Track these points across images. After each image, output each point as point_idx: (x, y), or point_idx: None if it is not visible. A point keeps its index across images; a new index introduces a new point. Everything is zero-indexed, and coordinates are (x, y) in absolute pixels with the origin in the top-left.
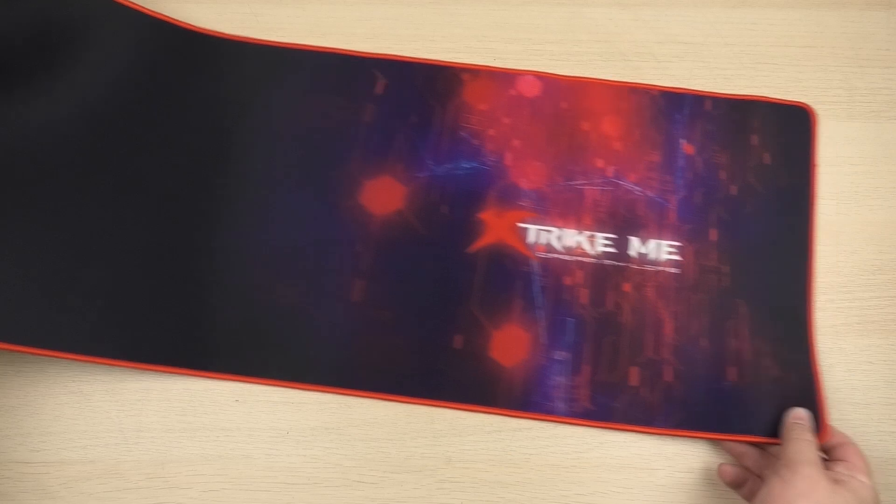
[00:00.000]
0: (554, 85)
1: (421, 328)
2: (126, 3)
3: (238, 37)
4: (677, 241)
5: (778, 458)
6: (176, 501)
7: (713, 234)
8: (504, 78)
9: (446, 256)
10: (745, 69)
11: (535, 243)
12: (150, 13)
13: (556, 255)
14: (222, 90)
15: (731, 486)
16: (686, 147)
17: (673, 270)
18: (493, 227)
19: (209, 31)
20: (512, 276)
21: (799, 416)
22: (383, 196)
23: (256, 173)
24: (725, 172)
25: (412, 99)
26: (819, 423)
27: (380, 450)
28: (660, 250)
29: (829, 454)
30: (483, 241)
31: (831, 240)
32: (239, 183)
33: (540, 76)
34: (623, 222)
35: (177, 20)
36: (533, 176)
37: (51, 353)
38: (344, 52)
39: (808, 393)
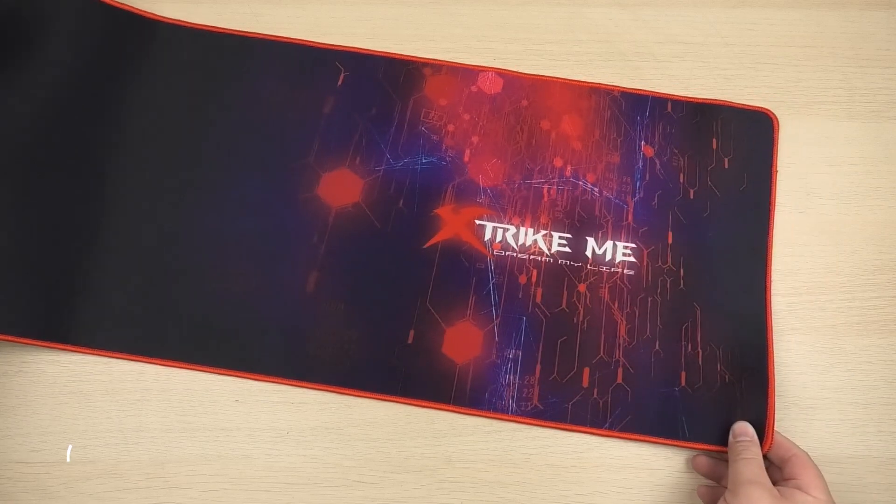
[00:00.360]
0: (515, 82)
1: (374, 322)
2: None
3: (202, 25)
4: (633, 243)
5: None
6: (176, 501)
7: (670, 237)
8: (465, 74)
9: (402, 251)
10: (745, 69)
11: (492, 240)
12: (108, 1)
13: (511, 254)
14: (185, 78)
15: None
16: (646, 149)
17: (628, 272)
18: (449, 223)
19: (172, 19)
20: (467, 272)
21: (741, 432)
22: (341, 188)
23: (216, 161)
24: (684, 176)
25: (373, 92)
26: (765, 432)
27: (380, 450)
28: (616, 251)
29: (783, 469)
30: (439, 237)
31: (831, 240)
32: (197, 170)
33: (501, 73)
34: (580, 222)
35: (135, 8)
36: (491, 173)
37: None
38: (308, 43)
39: (758, 400)
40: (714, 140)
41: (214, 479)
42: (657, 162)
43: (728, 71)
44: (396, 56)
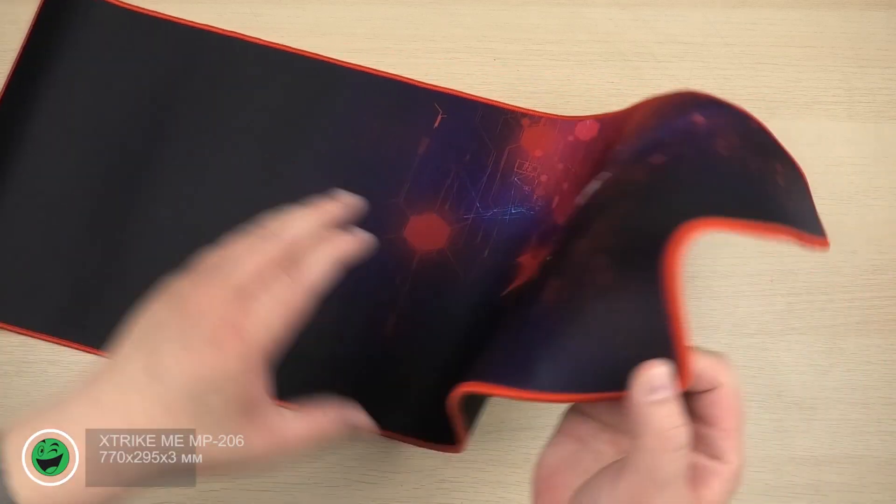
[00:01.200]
0: (610, 123)
1: (439, 372)
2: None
3: (286, 47)
4: None
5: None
6: (176, 501)
7: None
8: (564, 125)
9: (480, 302)
10: (745, 69)
11: None
12: (192, 24)
13: None
14: (271, 100)
15: None
16: None
17: None
18: (526, 267)
19: (251, 38)
20: None
21: (651, 381)
22: (427, 233)
23: (304, 187)
24: None
25: (468, 138)
26: (678, 364)
27: (380, 450)
28: None
29: (699, 407)
30: (516, 283)
31: (831, 240)
32: (284, 197)
33: (598, 118)
34: None
35: (214, 27)
36: (570, 211)
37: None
38: (402, 78)
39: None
40: None
41: (215, 479)
42: None
43: (728, 71)
44: (495, 104)
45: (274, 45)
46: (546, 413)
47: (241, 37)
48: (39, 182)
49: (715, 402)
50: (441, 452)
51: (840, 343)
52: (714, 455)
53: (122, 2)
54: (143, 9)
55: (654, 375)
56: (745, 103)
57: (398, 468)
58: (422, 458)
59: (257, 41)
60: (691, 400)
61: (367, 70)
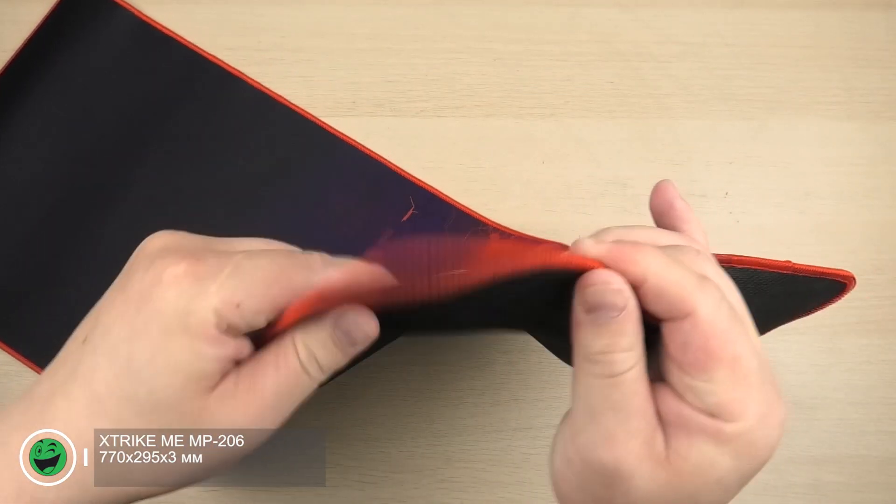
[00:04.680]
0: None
1: None
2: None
3: (279, 97)
4: None
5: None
6: (176, 501)
7: None
8: (531, 242)
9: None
10: (744, 69)
11: None
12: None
13: None
14: (253, 147)
15: None
16: None
17: None
18: None
19: (250, 79)
20: None
21: (597, 297)
22: None
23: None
24: None
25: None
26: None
27: (380, 450)
28: None
29: (673, 347)
30: None
31: (831, 240)
32: None
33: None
34: None
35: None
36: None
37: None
38: (385, 162)
39: None
40: None
41: (215, 479)
42: None
43: (728, 71)
44: (470, 213)
45: (270, 93)
46: (546, 413)
47: (241, 75)
48: (7, 171)
49: (683, 340)
50: (441, 452)
51: (840, 343)
52: (708, 412)
53: (139, 11)
54: (156, 23)
55: (596, 288)
56: (745, 103)
57: (398, 468)
58: (422, 458)
59: (255, 84)
60: (666, 334)
61: (353, 144)
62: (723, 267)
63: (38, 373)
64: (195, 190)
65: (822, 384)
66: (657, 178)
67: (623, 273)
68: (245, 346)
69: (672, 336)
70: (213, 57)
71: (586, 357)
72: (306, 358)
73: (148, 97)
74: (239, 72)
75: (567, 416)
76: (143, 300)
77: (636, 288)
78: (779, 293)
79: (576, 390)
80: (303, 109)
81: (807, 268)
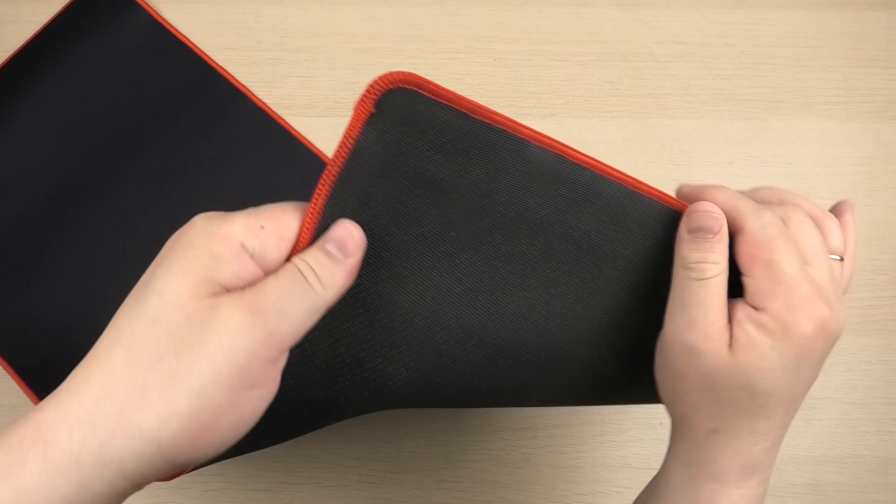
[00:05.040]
0: None
1: None
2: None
3: (278, 117)
4: None
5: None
6: (176, 501)
7: None
8: None
9: None
10: (744, 69)
11: None
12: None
13: None
14: (248, 164)
15: None
16: None
17: None
18: None
19: (255, 96)
20: None
21: (698, 221)
22: None
23: None
24: None
25: None
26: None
27: (380, 450)
28: None
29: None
30: None
31: None
32: None
33: None
34: None
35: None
36: None
37: None
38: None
39: None
40: None
41: (215, 479)
42: None
43: (728, 71)
44: None
45: (272, 113)
46: (546, 413)
47: (246, 91)
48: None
49: (737, 250)
50: (441, 452)
51: (840, 343)
52: (751, 303)
53: (157, 13)
54: (171, 26)
55: (700, 216)
56: (745, 103)
57: (398, 468)
58: (422, 458)
59: (259, 103)
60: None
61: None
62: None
63: (4, 367)
64: (184, 198)
65: (822, 384)
66: (657, 178)
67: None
68: (260, 278)
69: (736, 250)
70: (223, 69)
71: (684, 265)
72: (304, 268)
73: (152, 100)
74: (245, 88)
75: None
76: (174, 240)
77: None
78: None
79: (673, 291)
80: (301, 135)
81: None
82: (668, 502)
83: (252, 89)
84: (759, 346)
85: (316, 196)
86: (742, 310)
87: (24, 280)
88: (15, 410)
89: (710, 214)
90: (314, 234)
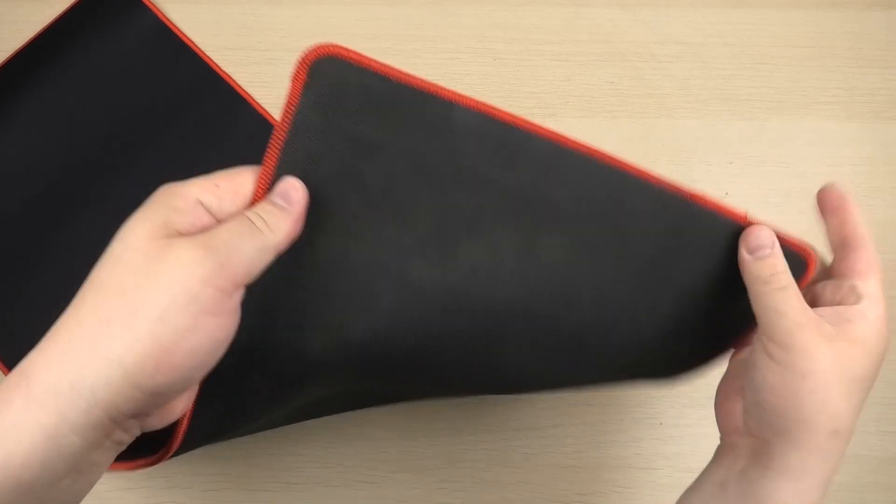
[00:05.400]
0: None
1: None
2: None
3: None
4: None
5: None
6: (176, 501)
7: None
8: None
9: None
10: (744, 69)
11: None
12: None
13: None
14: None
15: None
16: None
17: None
18: None
19: (256, 103)
20: None
21: (758, 242)
22: None
23: None
24: None
25: None
26: (791, 248)
27: (380, 450)
28: None
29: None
30: None
31: None
32: None
33: None
34: None
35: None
36: None
37: None
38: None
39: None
40: None
41: (215, 479)
42: None
43: (728, 71)
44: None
45: (271, 120)
46: (546, 413)
47: (249, 98)
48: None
49: (855, 257)
50: (441, 452)
51: None
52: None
53: (163, 14)
54: (177, 28)
55: (754, 236)
56: (745, 103)
57: (398, 468)
58: (422, 458)
59: (260, 110)
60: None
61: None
62: (693, 206)
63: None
64: None
65: None
66: None
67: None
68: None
69: (843, 259)
70: (226, 75)
71: (761, 281)
72: (252, 216)
73: (154, 102)
74: (248, 94)
75: (761, 337)
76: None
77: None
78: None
79: (762, 308)
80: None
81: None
82: None
83: (252, 90)
84: (868, 341)
85: (266, 159)
86: (849, 308)
87: (24, 281)
88: None
89: (763, 232)
90: (266, 192)
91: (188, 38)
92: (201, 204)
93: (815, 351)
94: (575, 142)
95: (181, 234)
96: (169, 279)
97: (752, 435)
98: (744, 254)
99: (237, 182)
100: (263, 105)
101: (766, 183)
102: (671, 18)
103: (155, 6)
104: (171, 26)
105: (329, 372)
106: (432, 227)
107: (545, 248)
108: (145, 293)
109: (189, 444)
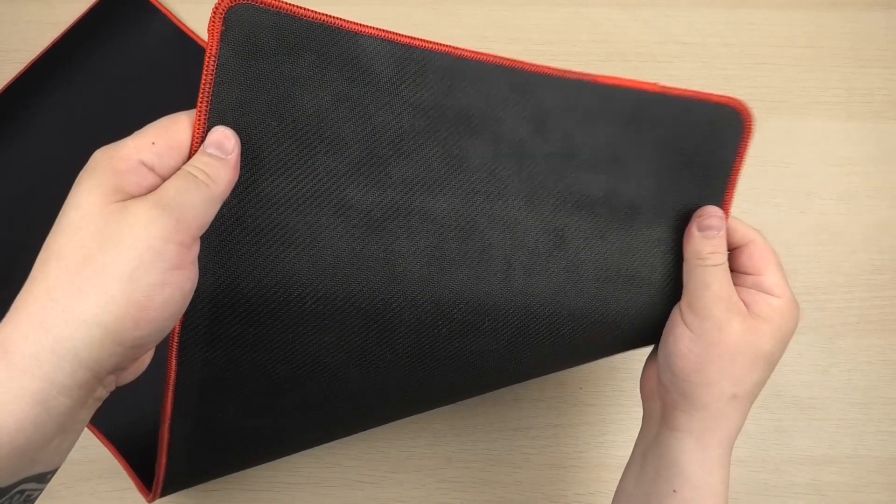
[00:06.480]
0: None
1: None
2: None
3: None
4: None
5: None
6: (177, 500)
7: None
8: None
9: None
10: (744, 69)
11: None
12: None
13: None
14: None
15: None
16: None
17: None
18: None
19: None
20: None
21: (709, 222)
22: None
23: None
24: None
25: None
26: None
27: (380, 450)
28: None
29: (737, 259)
30: None
31: (831, 240)
32: None
33: None
34: None
35: None
36: None
37: None
38: None
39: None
40: None
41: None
42: None
43: (728, 71)
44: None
45: None
46: (546, 413)
47: None
48: (22, 160)
49: (754, 254)
50: (441, 452)
51: (839, 343)
52: (766, 292)
53: (178, 20)
54: (193, 33)
55: (707, 216)
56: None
57: (398, 468)
58: (422, 458)
59: None
60: (735, 258)
61: None
62: (591, 85)
63: None
64: None
65: (822, 384)
66: None
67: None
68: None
69: (744, 254)
70: None
71: (698, 256)
72: (193, 170)
73: (173, 103)
74: None
75: (681, 305)
76: (80, 175)
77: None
78: (668, 119)
79: (692, 279)
80: None
81: (675, 90)
82: (683, 480)
83: None
84: (773, 321)
85: (198, 112)
86: (758, 294)
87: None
88: None
89: (717, 216)
90: (201, 141)
91: (202, 39)
92: (143, 164)
93: (728, 323)
94: (467, 50)
95: (132, 196)
96: (131, 240)
97: (662, 399)
98: (693, 229)
99: (171, 135)
100: None
101: (767, 182)
102: (671, 18)
103: (166, 9)
104: (184, 28)
105: (289, 322)
106: (363, 152)
107: (470, 153)
108: (112, 256)
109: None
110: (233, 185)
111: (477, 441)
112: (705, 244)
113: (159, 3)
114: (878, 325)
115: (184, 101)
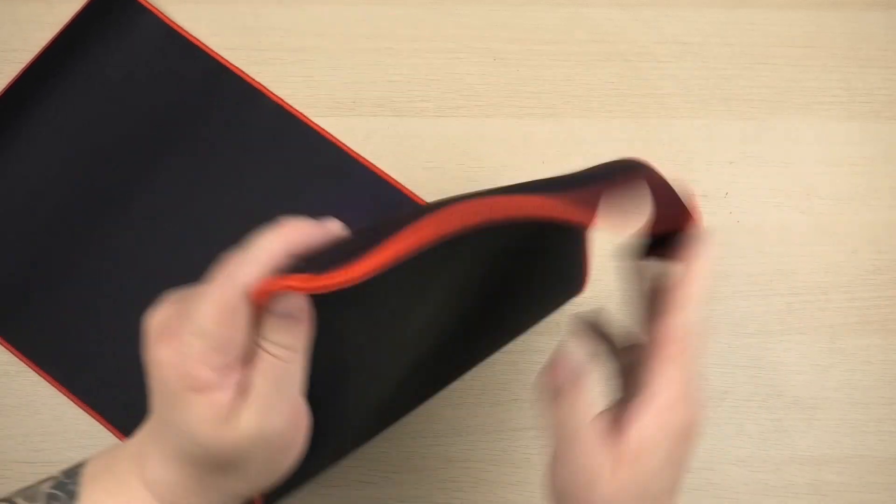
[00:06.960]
0: None
1: None
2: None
3: (300, 114)
4: None
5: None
6: None
7: None
8: None
9: None
10: (744, 69)
11: None
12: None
13: None
14: (271, 164)
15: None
16: None
17: None
18: None
19: (273, 94)
20: None
21: (563, 371)
22: None
23: None
24: None
25: None
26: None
27: (380, 450)
28: None
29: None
30: None
31: (831, 240)
32: None
33: None
34: None
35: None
36: None
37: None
38: (403, 189)
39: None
40: None
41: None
42: None
43: (728, 71)
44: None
45: (290, 109)
46: None
47: (263, 89)
48: (22, 170)
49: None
50: (441, 453)
51: (840, 343)
52: (643, 386)
53: (167, 17)
54: (183, 30)
55: (560, 371)
56: (745, 103)
57: (398, 468)
58: (422, 458)
59: (276, 98)
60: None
61: (370, 167)
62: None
63: (38, 372)
64: (208, 201)
65: (822, 384)
66: None
67: None
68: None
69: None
70: (237, 69)
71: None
72: (269, 346)
73: (170, 104)
74: (261, 85)
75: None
76: (157, 378)
77: None
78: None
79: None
80: (321, 127)
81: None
82: None
83: None
84: (651, 442)
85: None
86: (635, 408)
87: (54, 288)
88: (16, 411)
89: (569, 366)
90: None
91: (193, 37)
92: (216, 366)
93: (588, 457)
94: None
95: (230, 401)
96: (258, 456)
97: None
98: (546, 389)
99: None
100: None
101: (767, 183)
102: (671, 18)
103: (156, 9)
104: (175, 27)
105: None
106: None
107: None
108: (254, 472)
109: None
110: (309, 341)
111: (477, 441)
112: (562, 405)
113: (147, 3)
114: (878, 325)
115: (182, 96)
